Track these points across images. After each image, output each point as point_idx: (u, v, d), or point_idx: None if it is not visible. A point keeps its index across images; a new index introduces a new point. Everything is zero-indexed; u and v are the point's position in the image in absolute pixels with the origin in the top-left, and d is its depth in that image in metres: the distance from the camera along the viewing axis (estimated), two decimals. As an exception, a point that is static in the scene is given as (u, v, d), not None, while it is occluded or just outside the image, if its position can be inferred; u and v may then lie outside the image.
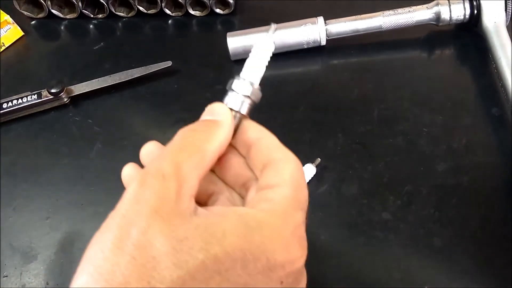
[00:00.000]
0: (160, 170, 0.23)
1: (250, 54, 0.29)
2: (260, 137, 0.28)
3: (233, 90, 0.28)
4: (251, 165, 0.28)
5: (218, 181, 0.29)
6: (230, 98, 0.28)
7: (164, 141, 0.28)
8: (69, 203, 0.46)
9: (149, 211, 0.22)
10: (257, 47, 0.29)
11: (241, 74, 0.29)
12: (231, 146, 0.29)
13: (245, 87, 0.28)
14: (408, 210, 0.42)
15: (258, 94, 0.29)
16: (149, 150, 0.30)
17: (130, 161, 0.47)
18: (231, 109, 0.28)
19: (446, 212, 0.42)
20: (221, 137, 0.27)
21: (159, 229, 0.21)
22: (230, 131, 0.27)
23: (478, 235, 0.41)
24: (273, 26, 0.30)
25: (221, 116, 0.27)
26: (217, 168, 0.29)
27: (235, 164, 0.29)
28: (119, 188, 0.45)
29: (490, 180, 0.44)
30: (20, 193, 0.47)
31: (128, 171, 0.31)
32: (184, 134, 0.26)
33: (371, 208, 0.43)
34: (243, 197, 0.29)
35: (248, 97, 0.28)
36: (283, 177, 0.26)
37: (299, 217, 0.25)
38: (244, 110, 0.28)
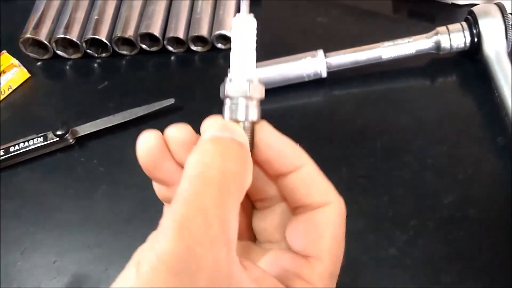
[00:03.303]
0: (206, 232, 0.19)
1: (232, 45, 0.24)
2: (298, 166, 0.24)
3: (231, 96, 0.23)
4: (283, 193, 0.25)
5: None
6: (232, 108, 0.23)
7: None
8: (75, 246, 0.46)
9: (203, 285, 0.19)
10: (236, 31, 0.24)
11: (231, 73, 0.24)
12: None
13: (243, 87, 0.23)
14: (415, 245, 0.42)
15: (261, 89, 0.24)
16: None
17: (134, 201, 0.48)
18: (236, 120, 0.23)
19: (453, 246, 0.41)
20: (251, 162, 0.22)
21: None
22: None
23: (487, 270, 0.40)
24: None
25: (241, 137, 0.22)
26: None
27: (257, 178, 0.25)
28: (124, 230, 0.46)
29: (498, 211, 0.43)
30: (28, 237, 0.47)
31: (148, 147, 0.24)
32: (219, 163, 0.21)
33: (377, 244, 0.42)
34: (257, 208, 0.27)
35: (251, 97, 0.23)
36: (323, 246, 0.24)
37: None
38: (254, 116, 0.24)
